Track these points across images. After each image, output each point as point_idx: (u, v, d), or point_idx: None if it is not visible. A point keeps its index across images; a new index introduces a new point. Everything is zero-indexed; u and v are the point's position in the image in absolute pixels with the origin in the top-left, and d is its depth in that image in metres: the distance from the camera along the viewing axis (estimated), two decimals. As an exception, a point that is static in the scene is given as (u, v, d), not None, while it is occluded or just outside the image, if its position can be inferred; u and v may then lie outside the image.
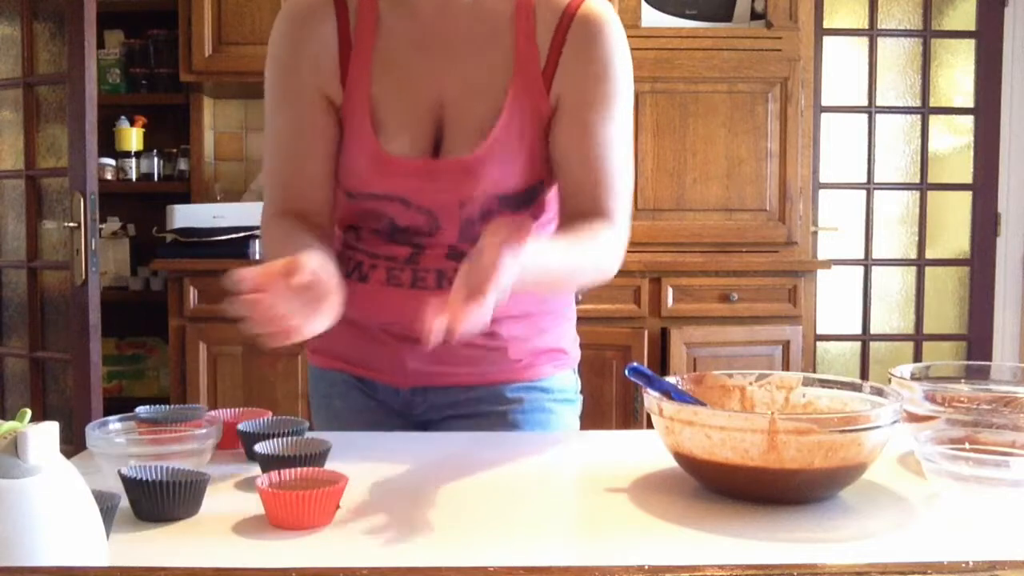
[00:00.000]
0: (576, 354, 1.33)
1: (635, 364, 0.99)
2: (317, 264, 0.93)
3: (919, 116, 3.96)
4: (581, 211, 1.16)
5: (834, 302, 3.97)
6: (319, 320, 0.93)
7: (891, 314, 4.03)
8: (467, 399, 1.25)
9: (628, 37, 1.21)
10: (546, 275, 1.07)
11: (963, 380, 1.11)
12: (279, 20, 1.20)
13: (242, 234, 3.22)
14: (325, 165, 1.20)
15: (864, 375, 3.97)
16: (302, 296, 0.91)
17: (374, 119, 1.16)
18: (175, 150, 3.68)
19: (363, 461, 1.03)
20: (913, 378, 1.07)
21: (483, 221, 1.15)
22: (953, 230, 4.02)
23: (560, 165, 1.18)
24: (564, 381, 1.30)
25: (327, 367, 1.32)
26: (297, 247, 1.09)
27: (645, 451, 1.06)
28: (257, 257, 3.20)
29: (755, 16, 3.32)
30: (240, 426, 1.04)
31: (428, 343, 0.87)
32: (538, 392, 1.26)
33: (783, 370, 3.15)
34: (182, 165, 3.66)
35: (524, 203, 1.19)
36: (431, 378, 1.24)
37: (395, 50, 1.17)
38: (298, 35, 1.18)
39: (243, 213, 3.30)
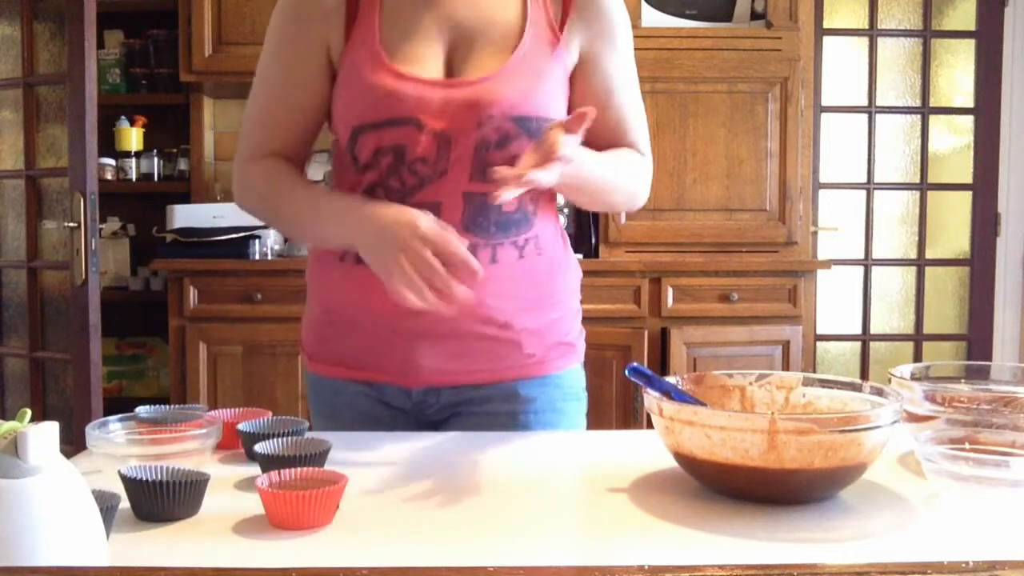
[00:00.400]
0: (582, 348, 1.33)
1: (635, 364, 0.99)
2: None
3: (919, 116, 3.96)
4: (609, 148, 1.25)
5: (834, 302, 3.97)
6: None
7: (891, 314, 4.03)
8: (479, 397, 1.24)
9: (628, 37, 1.26)
10: (588, 179, 1.18)
11: (963, 380, 1.11)
12: None
13: (242, 234, 3.22)
14: (310, 122, 1.25)
15: (864, 375, 3.97)
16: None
17: (386, 50, 1.18)
18: (175, 150, 3.68)
19: (363, 461, 1.03)
20: (913, 378, 1.07)
21: (498, 147, 1.16)
22: (953, 230, 4.02)
23: (605, 126, 1.23)
24: (573, 376, 1.30)
25: (330, 375, 1.29)
26: (306, 187, 1.24)
27: (645, 451, 1.06)
28: (256, 257, 3.20)
29: (755, 16, 3.32)
30: (240, 426, 1.04)
31: (495, 199, 1.00)
32: (551, 389, 1.26)
33: (783, 370, 3.15)
34: (182, 165, 3.66)
35: (536, 131, 1.16)
36: (444, 376, 1.23)
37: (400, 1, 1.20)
38: None
39: (243, 213, 3.29)
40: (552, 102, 1.20)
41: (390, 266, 1.05)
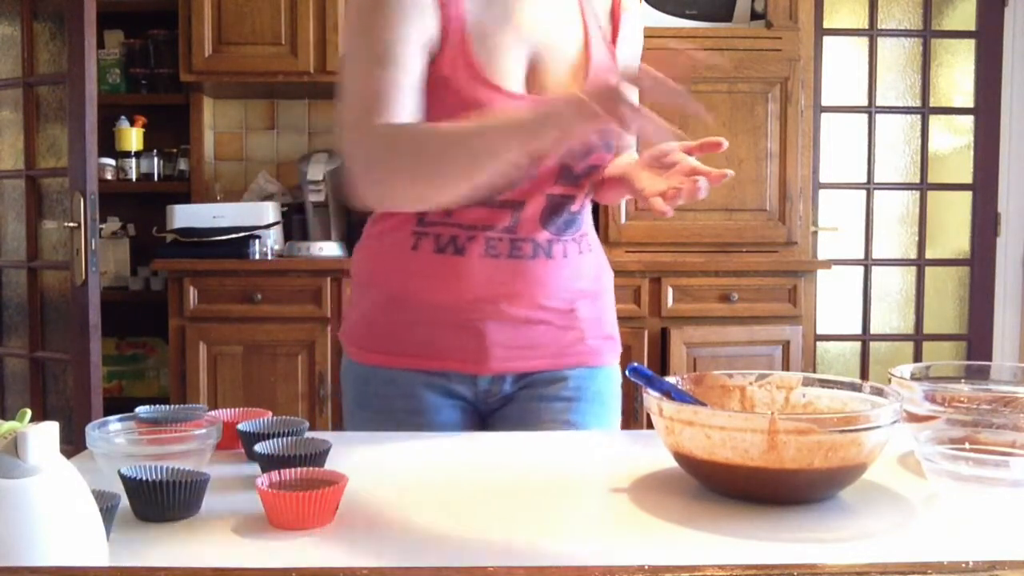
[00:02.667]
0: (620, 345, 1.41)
1: (635, 364, 0.99)
2: None
3: (919, 116, 3.96)
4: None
5: (834, 302, 3.97)
6: None
7: (891, 314, 4.03)
8: (539, 381, 1.29)
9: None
10: None
11: (963, 380, 1.11)
12: None
13: (242, 234, 3.22)
14: (417, 94, 1.17)
15: (864, 375, 3.97)
16: None
17: (478, 62, 1.19)
18: (175, 150, 3.68)
19: (363, 461, 1.03)
20: (913, 378, 1.07)
21: (582, 157, 1.23)
22: (953, 230, 4.02)
23: None
24: (616, 372, 1.37)
25: (390, 365, 1.28)
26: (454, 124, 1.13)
27: (645, 451, 1.06)
28: (256, 257, 3.20)
29: (755, 16, 3.32)
30: (240, 426, 1.04)
31: (665, 212, 1.10)
32: (601, 381, 1.33)
33: (783, 370, 3.15)
34: (182, 165, 3.66)
35: (612, 144, 1.29)
36: (511, 363, 1.27)
37: (482, 18, 1.21)
38: None
39: (243, 213, 3.30)
40: None
41: (621, 116, 0.99)
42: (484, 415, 1.32)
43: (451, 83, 1.18)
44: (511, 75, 1.21)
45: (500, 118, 1.11)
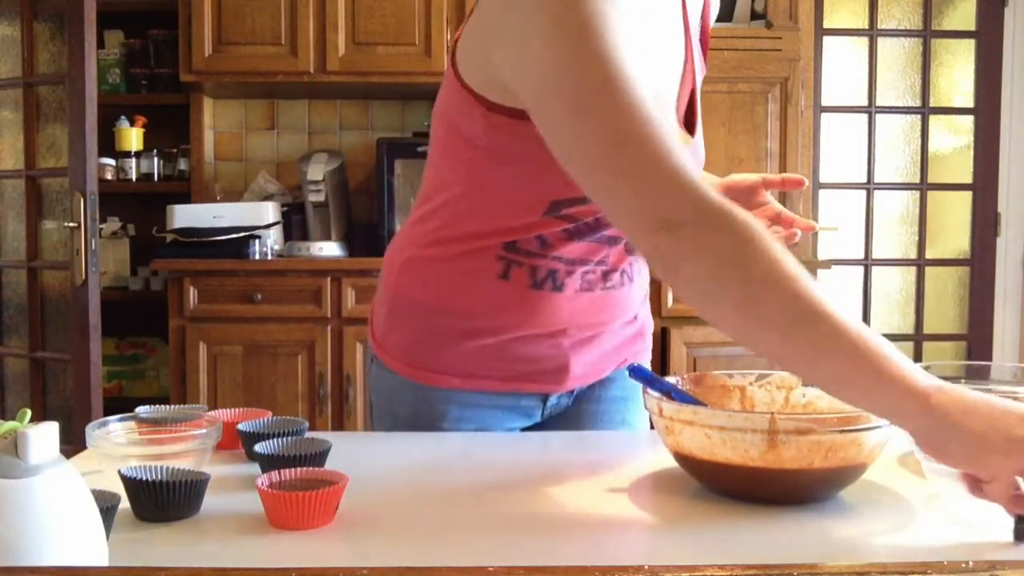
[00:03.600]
0: None
1: (635, 364, 0.99)
2: None
3: (919, 116, 3.96)
4: None
5: (834, 302, 3.97)
6: None
7: (891, 314, 4.03)
8: (598, 389, 1.27)
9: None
10: None
11: (963, 380, 1.11)
12: None
13: (242, 234, 3.22)
14: None
15: (864, 375, 3.96)
16: None
17: None
18: (175, 150, 3.68)
19: (363, 461, 1.03)
20: (913, 378, 1.07)
21: None
22: (953, 230, 4.02)
23: None
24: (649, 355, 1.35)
25: (449, 386, 1.19)
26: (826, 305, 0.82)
27: (645, 451, 1.06)
28: (256, 257, 3.20)
29: (755, 16, 3.32)
30: (240, 426, 1.04)
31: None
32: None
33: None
34: (182, 165, 3.66)
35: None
36: (586, 378, 1.25)
37: None
38: None
39: (243, 213, 3.30)
40: None
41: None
42: (542, 423, 1.28)
43: None
44: None
45: (869, 349, 0.80)
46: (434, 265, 1.17)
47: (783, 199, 3.27)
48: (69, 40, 2.86)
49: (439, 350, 1.19)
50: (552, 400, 1.24)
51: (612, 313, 1.22)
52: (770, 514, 0.85)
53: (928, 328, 4.00)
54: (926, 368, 1.10)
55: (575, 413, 1.27)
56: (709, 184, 0.87)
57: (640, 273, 1.26)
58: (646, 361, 1.32)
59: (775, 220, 1.06)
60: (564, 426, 1.26)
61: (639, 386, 1.25)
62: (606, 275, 1.19)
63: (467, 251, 1.14)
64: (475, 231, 1.12)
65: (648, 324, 1.33)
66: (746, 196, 1.09)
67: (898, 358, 0.79)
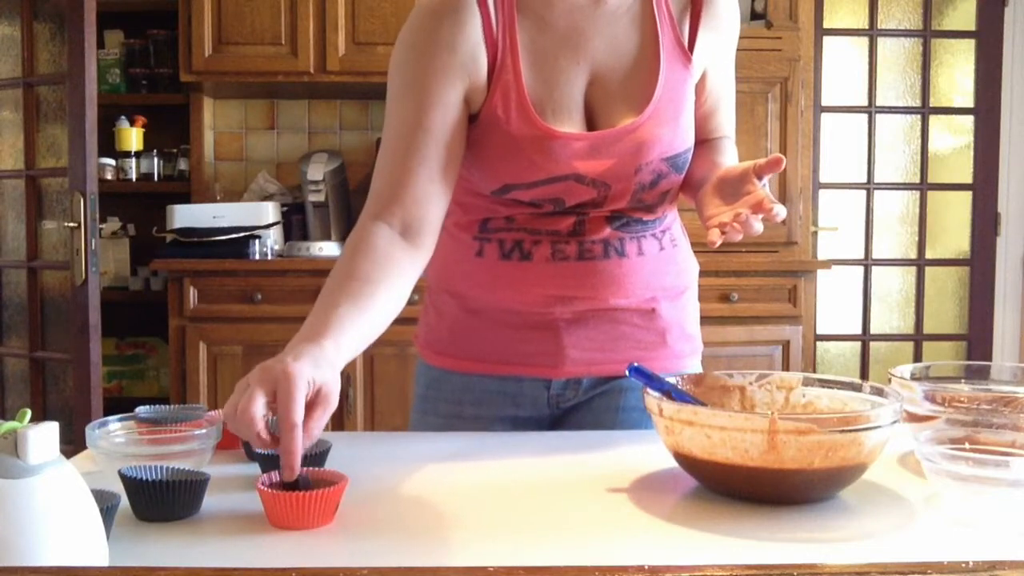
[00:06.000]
0: (701, 343, 1.33)
1: (635, 364, 0.99)
2: (306, 383, 0.87)
3: (919, 116, 3.96)
4: (710, 136, 1.30)
5: (834, 302, 3.97)
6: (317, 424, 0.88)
7: (891, 314, 4.03)
8: (615, 389, 1.24)
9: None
10: None
11: (963, 380, 1.11)
12: (419, 12, 1.16)
13: (242, 234, 3.22)
14: (445, 169, 1.14)
15: (864, 375, 3.97)
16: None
17: (532, 102, 1.14)
18: (175, 150, 3.68)
19: (363, 461, 1.03)
20: (913, 378, 1.07)
21: (652, 187, 1.19)
22: (953, 230, 4.02)
23: (705, 115, 1.28)
24: (698, 371, 1.29)
25: (461, 370, 1.26)
26: (339, 292, 1.05)
27: (645, 451, 1.06)
28: (256, 257, 3.20)
29: (755, 16, 3.32)
30: (240, 426, 1.04)
31: (712, 243, 1.04)
32: None
33: (783, 370, 3.15)
34: (182, 165, 3.66)
35: (685, 165, 1.22)
36: (589, 366, 1.23)
37: (539, 43, 1.16)
38: (440, 25, 1.14)
39: (243, 213, 3.30)
40: (692, 127, 1.22)
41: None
42: (555, 421, 1.27)
43: (508, 128, 1.14)
44: (571, 108, 1.16)
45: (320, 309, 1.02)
46: (441, 250, 1.24)
47: (784, 197, 3.27)
48: (69, 40, 2.86)
49: (440, 331, 1.28)
50: (556, 389, 1.24)
51: (599, 287, 1.20)
52: (770, 514, 0.85)
53: (928, 328, 4.00)
54: (926, 368, 1.11)
55: (591, 421, 1.25)
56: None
57: (650, 254, 1.23)
58: (689, 366, 1.27)
59: (756, 207, 1.04)
60: (579, 430, 1.25)
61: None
62: (583, 244, 1.19)
63: (450, 232, 1.25)
64: (454, 219, 1.25)
65: (682, 339, 1.27)
66: (737, 184, 1.08)
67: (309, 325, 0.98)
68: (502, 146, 1.15)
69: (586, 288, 1.20)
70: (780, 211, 1.01)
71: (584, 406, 1.26)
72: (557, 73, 1.16)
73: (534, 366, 1.23)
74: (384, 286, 1.06)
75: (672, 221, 1.29)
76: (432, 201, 1.13)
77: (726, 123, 1.32)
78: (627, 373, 0.99)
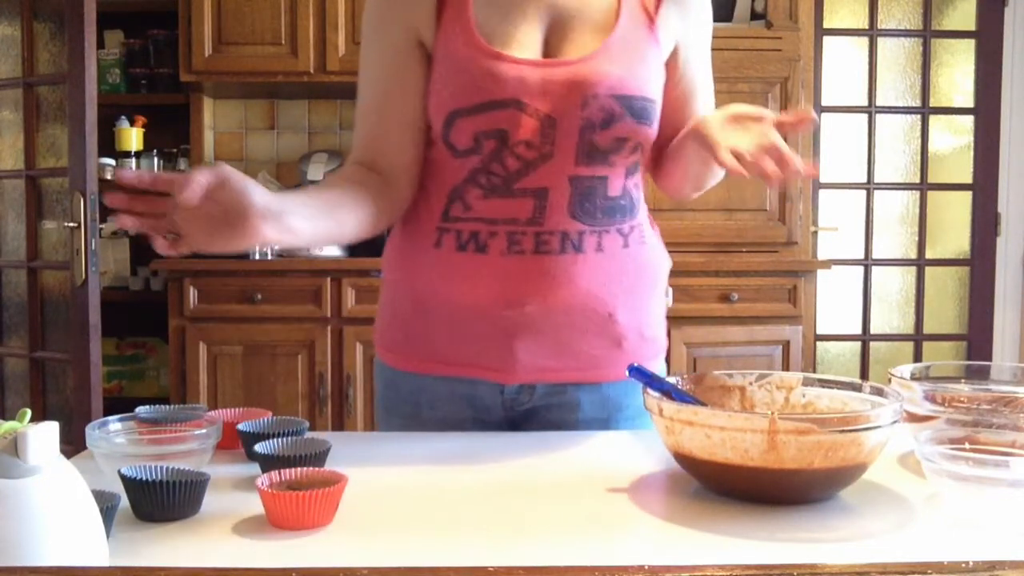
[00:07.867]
0: (665, 343, 1.30)
1: (635, 364, 0.99)
2: (221, 178, 0.95)
3: (919, 116, 3.96)
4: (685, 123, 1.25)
5: (834, 302, 3.97)
6: (219, 238, 0.98)
7: (891, 314, 4.03)
8: (572, 399, 1.22)
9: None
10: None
11: (963, 380, 1.11)
12: None
13: (242, 234, 3.21)
14: (410, 114, 1.19)
15: (864, 375, 3.97)
16: (207, 209, 0.96)
17: (482, 32, 1.16)
18: (175, 150, 3.68)
19: (363, 461, 1.03)
20: (913, 378, 1.07)
21: (603, 127, 1.15)
22: (953, 230, 4.02)
23: (678, 96, 1.26)
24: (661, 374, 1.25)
25: (416, 371, 1.24)
26: (321, 196, 1.16)
27: (645, 451, 1.06)
28: (256, 257, 3.20)
29: (755, 16, 3.32)
30: (240, 426, 1.04)
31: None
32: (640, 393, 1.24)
33: (783, 370, 3.15)
34: (182, 165, 3.66)
35: (643, 115, 1.17)
36: (542, 373, 1.20)
37: None
38: None
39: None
40: (653, 83, 1.19)
41: None
42: (511, 426, 1.25)
43: (453, 52, 1.15)
44: (524, 42, 1.16)
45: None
46: (395, 240, 1.28)
47: (784, 197, 3.27)
48: (69, 40, 2.86)
49: (396, 329, 1.26)
50: (510, 394, 1.21)
51: (553, 286, 1.15)
52: (770, 514, 0.85)
53: (928, 328, 4.00)
54: (926, 368, 1.11)
55: (551, 428, 1.22)
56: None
57: (611, 251, 1.18)
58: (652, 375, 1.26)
59: (773, 150, 1.01)
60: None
61: (632, 404, 1.21)
62: (540, 236, 1.15)
63: (413, 224, 1.24)
64: (417, 210, 1.23)
65: (640, 343, 1.23)
66: (750, 123, 1.06)
67: None
68: (449, 69, 1.16)
69: (540, 287, 1.15)
70: (798, 164, 1.02)
71: (542, 411, 1.23)
72: (512, 9, 1.17)
73: (487, 369, 1.20)
74: (350, 192, 1.16)
75: (643, 218, 1.25)
76: (404, 147, 1.20)
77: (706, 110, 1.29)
78: (627, 373, 0.99)
